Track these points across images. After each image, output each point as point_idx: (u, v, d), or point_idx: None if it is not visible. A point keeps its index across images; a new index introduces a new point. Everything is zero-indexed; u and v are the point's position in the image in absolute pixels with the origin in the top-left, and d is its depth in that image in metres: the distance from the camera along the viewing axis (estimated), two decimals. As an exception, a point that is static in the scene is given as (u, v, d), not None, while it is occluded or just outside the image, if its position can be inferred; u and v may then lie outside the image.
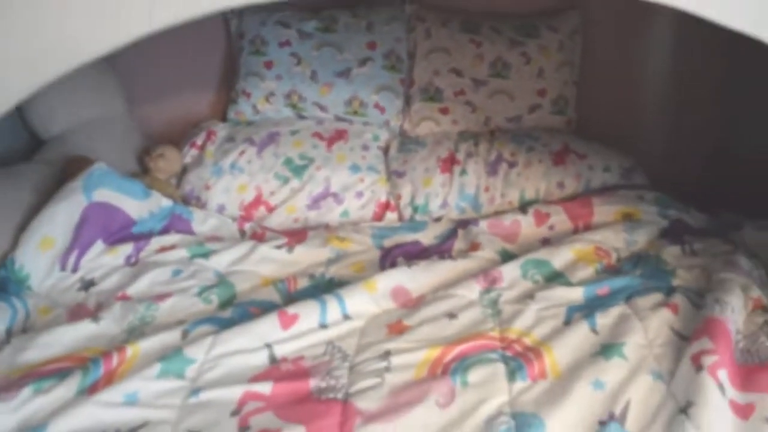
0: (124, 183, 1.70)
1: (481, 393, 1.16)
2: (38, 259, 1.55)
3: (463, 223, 1.79)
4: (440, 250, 1.70)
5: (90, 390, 1.21)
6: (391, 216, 1.90)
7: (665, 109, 2.16)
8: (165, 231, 1.74)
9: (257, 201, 1.91)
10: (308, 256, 1.68)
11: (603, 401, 1.14)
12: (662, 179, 1.94)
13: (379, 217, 1.90)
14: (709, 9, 0.83)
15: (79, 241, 1.59)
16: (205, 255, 1.64)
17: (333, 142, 2.01)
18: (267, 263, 1.64)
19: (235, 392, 1.19)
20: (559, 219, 1.77)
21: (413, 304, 1.47)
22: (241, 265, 1.63)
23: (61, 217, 1.59)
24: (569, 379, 1.19)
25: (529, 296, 1.45)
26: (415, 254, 1.68)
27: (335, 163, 1.95)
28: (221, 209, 1.90)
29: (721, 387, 1.10)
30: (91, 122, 1.98)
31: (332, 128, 2.07)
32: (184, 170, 2.00)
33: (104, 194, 1.65)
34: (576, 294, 1.45)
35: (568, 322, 1.36)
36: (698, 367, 1.13)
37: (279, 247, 1.69)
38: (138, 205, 1.71)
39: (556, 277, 1.54)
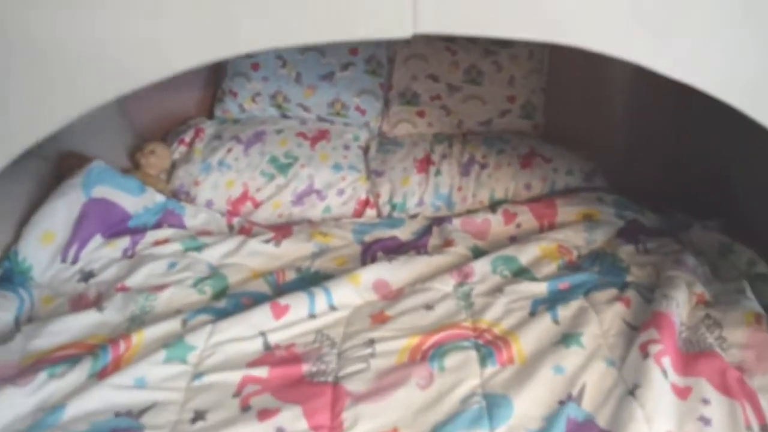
0: (121, 180, 1.80)
1: (456, 376, 1.31)
2: (40, 251, 1.64)
3: (438, 221, 1.92)
4: (416, 246, 1.83)
5: (100, 374, 1.32)
6: (370, 213, 2.03)
7: (625, 117, 2.31)
8: (158, 225, 1.85)
9: (244, 197, 2.02)
10: (294, 250, 1.80)
11: (563, 384, 1.29)
12: (621, 182, 2.11)
13: (359, 213, 2.03)
14: (666, 67, 0.97)
15: (78, 235, 1.69)
16: (198, 248, 1.75)
17: (316, 141, 2.13)
18: (256, 256, 1.76)
19: (235, 376, 1.32)
20: (526, 218, 1.92)
21: (393, 296, 1.60)
22: (232, 258, 1.74)
23: (61, 212, 1.68)
24: (533, 364, 1.34)
25: (498, 290, 1.60)
26: (393, 249, 1.82)
27: (318, 162, 2.07)
28: (209, 204, 2.01)
29: (664, 372, 1.26)
30: (84, 119, 2.05)
31: (315, 128, 2.19)
32: (173, 166, 2.10)
33: (102, 191, 1.75)
34: (540, 288, 1.60)
35: (533, 314, 1.51)
36: (645, 355, 1.29)
37: (267, 241, 1.80)
38: (134, 201, 1.81)
39: (522, 273, 1.69)
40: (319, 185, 2.03)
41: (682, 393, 1.25)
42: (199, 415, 1.22)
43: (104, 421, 1.21)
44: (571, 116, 2.32)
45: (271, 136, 2.13)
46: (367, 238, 1.87)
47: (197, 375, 1.32)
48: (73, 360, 1.33)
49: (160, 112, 2.32)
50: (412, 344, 1.40)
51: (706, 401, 1.23)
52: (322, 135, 2.16)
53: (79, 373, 1.30)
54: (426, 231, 1.89)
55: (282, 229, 1.88)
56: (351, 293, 1.57)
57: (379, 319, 1.50)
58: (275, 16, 0.96)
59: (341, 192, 2.03)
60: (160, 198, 1.88)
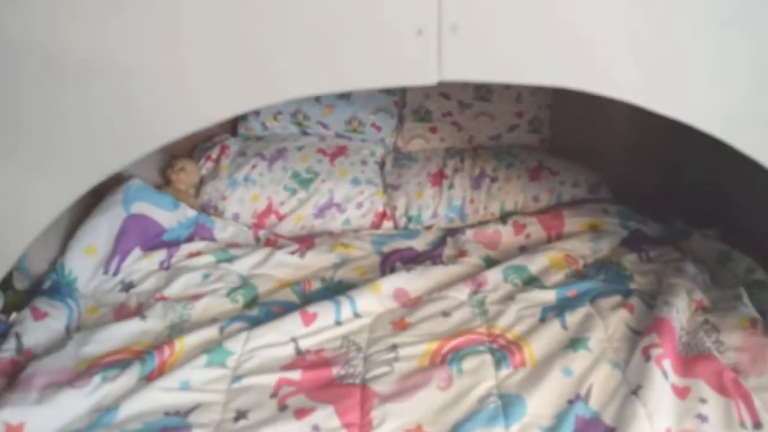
0: (157, 196, 1.93)
1: (474, 378, 1.43)
2: (84, 264, 1.77)
3: (452, 232, 2.05)
4: (432, 256, 1.95)
5: (148, 378, 1.44)
6: (387, 224, 2.15)
7: (627, 130, 2.42)
8: (190, 238, 1.97)
9: (268, 210, 2.15)
10: (318, 260, 1.92)
11: (571, 385, 1.41)
12: (622, 191, 2.22)
13: (377, 225, 2.15)
14: (657, 104, 1.09)
15: (119, 248, 1.81)
16: (229, 260, 1.88)
17: (335, 157, 2.26)
18: (283, 267, 1.88)
19: (271, 379, 1.44)
20: (535, 229, 2.04)
21: (412, 304, 1.72)
22: (260, 269, 1.87)
23: (103, 228, 1.81)
24: (544, 367, 1.45)
25: (510, 298, 1.72)
26: (410, 259, 1.94)
27: (338, 177, 2.19)
28: (236, 218, 2.14)
29: (664, 373, 1.37)
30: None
31: (334, 145, 2.31)
32: (201, 182, 2.22)
33: (140, 207, 1.88)
34: (549, 296, 1.72)
35: (543, 320, 1.63)
36: (647, 358, 1.40)
37: (292, 252, 1.93)
38: (168, 216, 1.94)
39: (532, 281, 1.80)
40: (338, 199, 2.15)
41: (682, 393, 1.37)
42: (241, 415, 1.35)
43: (155, 420, 1.33)
44: (575, 130, 2.43)
45: (293, 152, 2.25)
46: (386, 248, 1.99)
47: (236, 378, 1.44)
48: (122, 365, 1.46)
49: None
50: (432, 349, 1.52)
51: (703, 400, 1.34)
52: (341, 151, 2.29)
53: (129, 376, 1.42)
54: (441, 242, 2.01)
55: (305, 241, 2.00)
56: (373, 301, 1.69)
57: (400, 325, 1.62)
58: (309, 68, 1.07)
59: (360, 205, 2.15)
60: (192, 212, 2.01)
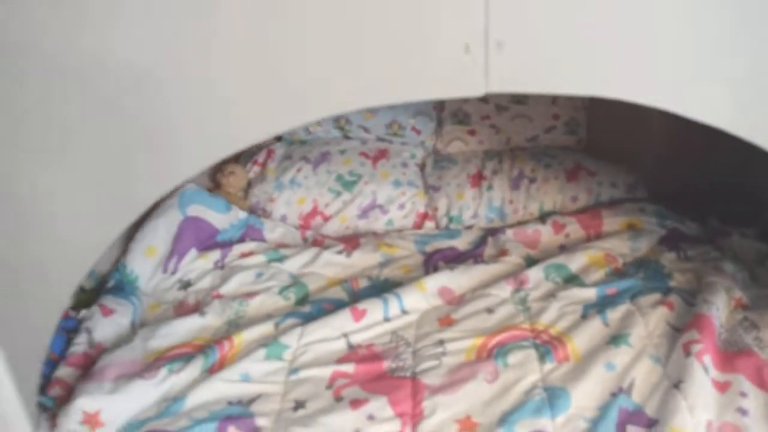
0: (210, 199, 2.03)
1: (519, 372, 1.49)
2: (145, 264, 1.88)
3: (492, 232, 2.11)
4: (474, 255, 2.02)
5: (210, 370, 1.53)
6: (429, 225, 2.22)
7: (661, 130, 2.46)
8: (241, 239, 2.07)
9: (314, 212, 2.23)
10: (363, 260, 2.00)
11: (614, 379, 1.46)
12: (658, 192, 2.26)
13: (418, 225, 2.22)
14: (692, 110, 1.14)
15: (177, 249, 1.91)
16: (280, 259, 1.97)
17: (377, 160, 2.33)
18: (331, 266, 1.96)
19: (326, 371, 1.52)
20: (574, 228, 2.09)
21: (456, 301, 1.79)
22: (309, 267, 1.95)
23: (161, 229, 1.92)
24: (587, 362, 1.51)
25: (551, 295, 1.77)
26: (452, 258, 2.01)
27: (380, 179, 2.27)
28: (284, 219, 2.22)
29: (705, 368, 1.42)
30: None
31: (375, 148, 2.39)
32: (249, 185, 2.32)
33: (195, 209, 1.98)
34: (590, 294, 1.77)
35: (584, 317, 1.68)
36: (687, 353, 1.45)
37: (339, 252, 2.01)
38: (221, 218, 2.03)
39: (572, 279, 1.86)
40: (381, 200, 2.23)
41: (722, 387, 1.41)
42: (299, 404, 1.43)
43: (220, 409, 1.42)
44: (611, 131, 2.46)
45: (336, 156, 2.34)
46: (428, 248, 2.06)
47: (293, 370, 1.53)
48: (186, 358, 1.55)
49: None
50: (478, 344, 1.59)
51: (743, 394, 1.38)
52: (382, 154, 2.36)
53: (193, 368, 1.52)
54: (481, 241, 2.07)
55: (351, 241, 2.08)
56: (419, 299, 1.76)
57: (446, 321, 1.69)
58: (359, 84, 1.14)
59: (402, 206, 2.23)
60: (242, 214, 2.10)
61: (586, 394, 1.42)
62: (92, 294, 1.79)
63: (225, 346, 1.59)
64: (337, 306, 1.75)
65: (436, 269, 1.94)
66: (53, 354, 1.56)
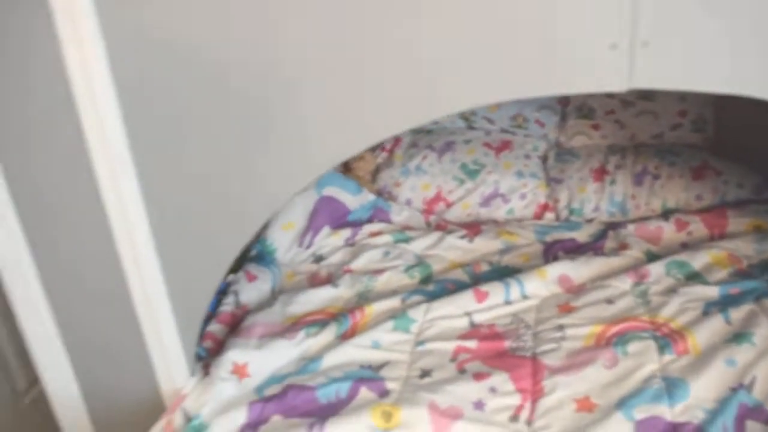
0: (344, 181, 2.19)
1: (638, 360, 1.53)
2: (283, 237, 2.05)
3: (613, 226, 2.14)
4: (594, 248, 2.05)
5: (343, 336, 1.68)
6: (549, 216, 2.28)
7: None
8: (370, 220, 2.21)
9: (437, 198, 2.34)
10: (485, 246, 2.09)
11: (734, 374, 1.47)
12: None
13: (539, 216, 2.28)
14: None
15: (312, 226, 2.08)
16: (406, 240, 2.09)
17: (500, 151, 2.41)
18: (453, 250, 2.07)
19: (449, 345, 1.62)
20: (697, 227, 2.08)
21: (576, 290, 1.84)
22: (433, 250, 2.06)
23: (299, 207, 2.09)
24: (707, 356, 1.53)
25: (672, 290, 1.79)
26: (572, 250, 2.05)
27: (502, 169, 2.34)
28: (408, 203, 2.35)
29: (831, 371, 1.42)
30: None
31: (499, 139, 2.46)
32: (377, 170, 2.46)
33: (330, 190, 2.14)
34: (712, 292, 1.77)
35: (705, 314, 1.69)
36: (814, 356, 1.45)
37: (461, 237, 2.11)
38: (353, 199, 2.18)
39: (694, 277, 1.86)
40: (503, 189, 2.31)
41: None
42: (425, 373, 1.54)
43: (353, 371, 1.55)
44: (739, 130, 2.41)
45: (460, 145, 2.43)
46: (548, 238, 2.12)
47: (419, 342, 1.64)
48: (321, 323, 1.70)
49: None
50: (597, 331, 1.64)
51: None
52: (506, 145, 2.43)
53: (328, 333, 1.66)
54: (602, 234, 2.11)
55: (473, 227, 2.17)
56: (540, 285, 1.83)
57: (566, 308, 1.75)
58: (504, 76, 1.23)
59: (523, 196, 2.29)
60: (371, 197, 2.24)
61: (705, 387, 1.45)
62: (237, 262, 1.98)
63: (357, 316, 1.73)
64: (458, 287, 1.85)
65: (555, 259, 2.00)
66: (207, 312, 1.75)
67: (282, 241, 2.05)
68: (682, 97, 2.43)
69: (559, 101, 2.53)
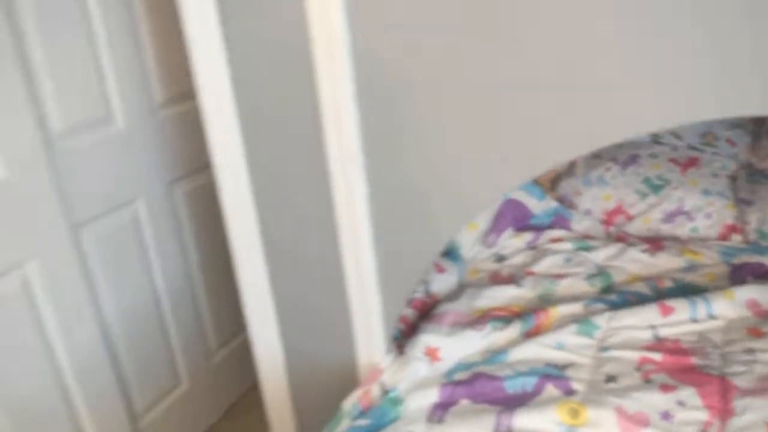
0: (530, 186, 2.27)
1: (838, 392, 1.50)
2: (467, 236, 2.17)
3: (808, 254, 2.07)
4: (785, 274, 2.00)
5: (527, 333, 1.77)
6: (736, 238, 2.23)
7: None
8: (551, 226, 2.28)
9: (618, 210, 2.36)
10: (667, 262, 2.09)
11: None
12: None
13: (724, 237, 2.24)
14: None
15: (496, 226, 2.18)
16: (587, 249, 2.14)
17: (687, 167, 2.39)
18: (634, 263, 2.09)
19: (634, 355, 1.67)
20: None
21: (765, 315, 1.81)
22: (614, 261, 2.10)
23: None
24: None
25: None
26: (762, 274, 2.01)
27: (688, 186, 2.32)
28: (588, 213, 2.39)
29: None
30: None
31: (686, 155, 2.44)
32: (557, 177, 2.51)
33: (517, 193, 2.23)
34: None
35: None
36: None
37: (643, 251, 2.12)
38: (536, 204, 2.26)
39: None
40: (688, 207, 2.29)
41: None
42: (610, 378, 1.60)
43: (539, 367, 1.64)
44: None
45: (645, 159, 2.43)
46: (735, 261, 2.08)
47: (603, 348, 1.70)
48: (506, 319, 1.80)
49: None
50: (790, 358, 1.62)
51: None
52: (692, 162, 2.41)
53: (513, 329, 1.76)
54: (795, 261, 2.04)
55: (654, 242, 2.18)
56: (727, 307, 1.82)
57: (756, 332, 1.74)
58: (707, 96, 1.25)
59: (709, 215, 2.26)
60: (554, 204, 2.31)
61: None
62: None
63: (541, 316, 1.81)
64: (640, 299, 1.88)
65: (743, 282, 1.97)
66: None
67: (466, 240, 2.17)
68: None
69: (753, 121, 2.46)
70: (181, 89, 2.24)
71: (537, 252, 2.14)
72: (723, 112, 1.28)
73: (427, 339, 1.70)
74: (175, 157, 2.27)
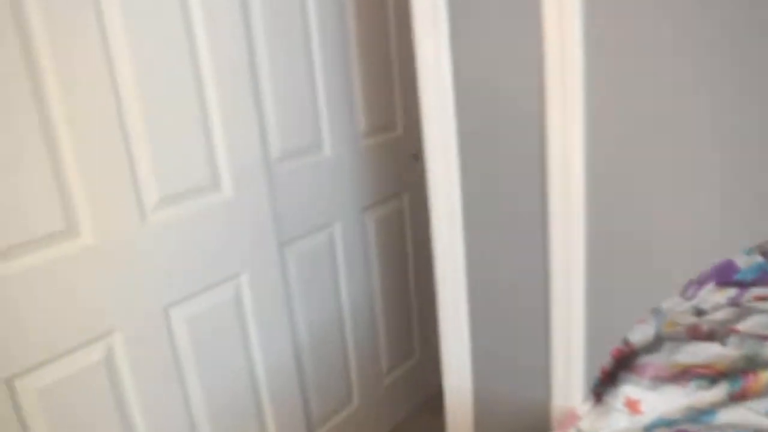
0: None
1: None
2: (666, 285, 2.14)
3: None
4: None
5: (734, 396, 1.73)
6: None
7: None
8: (753, 282, 2.19)
9: (831, 271, 2.22)
10: None
11: None
12: None
13: None
14: None
15: (700, 279, 2.14)
16: (797, 311, 2.04)
17: None
18: None
19: None
20: None
21: None
22: (830, 327, 1.99)
23: (687, 258, 2.16)
24: None
25: None
26: None
27: None
28: (796, 271, 2.27)
29: None
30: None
31: None
32: (762, 231, 2.41)
33: (721, 247, 2.18)
34: None
35: None
36: None
37: None
38: (745, 259, 2.19)
39: None
40: None
41: None
42: (831, 455, 1.53)
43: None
44: None
45: None
46: None
47: (825, 422, 1.63)
48: (710, 378, 1.77)
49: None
50: None
51: None
52: None
53: (719, 390, 1.73)
54: None
55: None
56: None
57: None
58: None
59: None
60: (760, 259, 2.22)
61: None
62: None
63: (750, 379, 1.76)
64: None
65: None
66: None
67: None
68: None
69: None
70: (380, 122, 2.42)
71: (741, 309, 2.07)
72: None
73: (628, 390, 1.72)
74: (370, 185, 2.44)
